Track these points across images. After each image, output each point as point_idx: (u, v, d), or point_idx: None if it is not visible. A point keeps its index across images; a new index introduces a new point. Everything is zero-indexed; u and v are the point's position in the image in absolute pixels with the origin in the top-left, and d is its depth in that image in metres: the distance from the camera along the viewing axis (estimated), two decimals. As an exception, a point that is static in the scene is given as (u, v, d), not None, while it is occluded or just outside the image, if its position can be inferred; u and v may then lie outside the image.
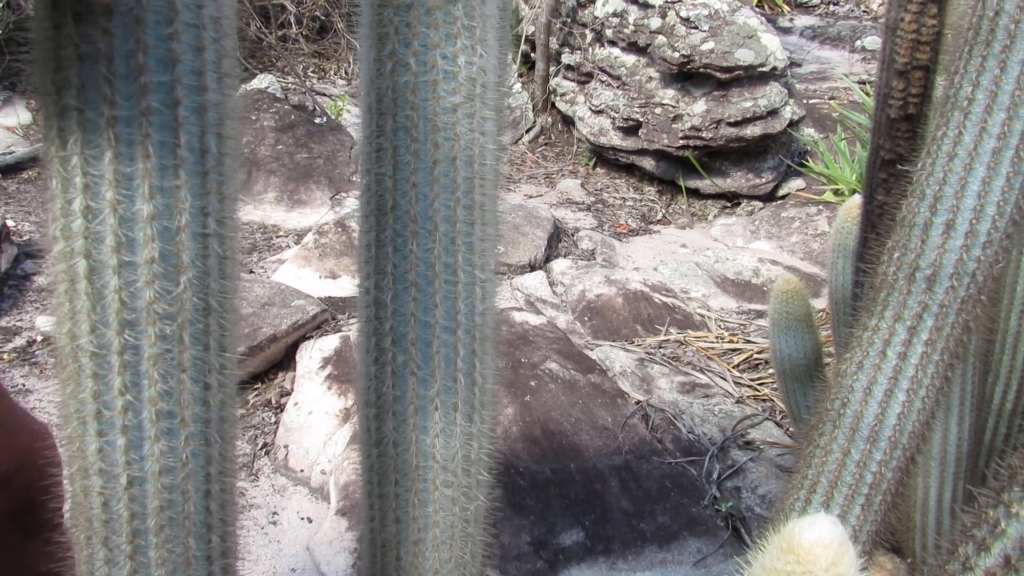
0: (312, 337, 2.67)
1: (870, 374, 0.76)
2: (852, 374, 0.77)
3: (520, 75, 5.15)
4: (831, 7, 7.53)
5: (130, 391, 0.47)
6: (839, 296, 1.72)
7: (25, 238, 3.30)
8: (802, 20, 7.13)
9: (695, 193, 3.96)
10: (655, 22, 3.95)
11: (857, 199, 1.63)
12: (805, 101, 4.73)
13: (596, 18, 4.33)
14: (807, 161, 3.85)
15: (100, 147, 0.44)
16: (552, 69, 4.79)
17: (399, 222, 0.63)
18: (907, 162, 1.22)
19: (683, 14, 3.85)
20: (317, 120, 4.39)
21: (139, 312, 0.47)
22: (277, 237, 3.50)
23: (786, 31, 6.82)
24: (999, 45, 0.68)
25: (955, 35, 0.75)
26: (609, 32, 4.22)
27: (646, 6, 4.04)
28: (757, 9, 6.96)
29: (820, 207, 3.58)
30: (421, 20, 0.59)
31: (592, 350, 2.67)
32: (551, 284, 3.04)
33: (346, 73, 5.89)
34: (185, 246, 0.47)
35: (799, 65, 5.98)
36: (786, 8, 7.25)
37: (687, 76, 3.85)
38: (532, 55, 4.95)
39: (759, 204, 3.85)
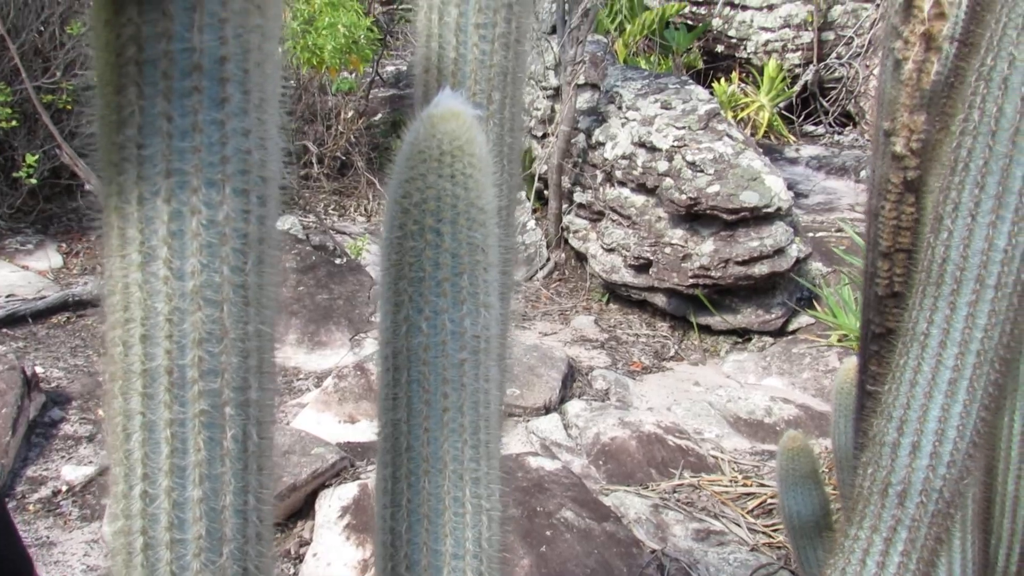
0: (331, 485, 2.72)
1: (852, 581, 0.81)
2: (836, 579, 0.83)
3: (534, 210, 5.32)
4: (835, 136, 7.73)
5: (176, 649, 0.54)
6: (842, 455, 1.77)
7: (53, 385, 3.40)
8: (808, 150, 7.32)
9: (707, 329, 4.04)
10: (662, 165, 4.11)
11: (855, 362, 1.69)
12: (812, 235, 4.85)
13: (606, 160, 4.50)
14: (815, 304, 3.93)
15: (158, 444, 0.53)
16: (565, 207, 4.95)
17: (413, 462, 0.71)
18: (894, 336, 1.30)
19: (689, 158, 4.01)
20: (337, 260, 4.54)
21: (186, 581, 0.54)
22: (298, 380, 3.59)
23: (793, 161, 7.03)
24: (948, 288, 0.76)
25: (913, 272, 0.84)
26: (619, 173, 4.38)
27: (654, 149, 4.21)
28: (765, 140, 7.19)
29: (829, 345, 3.65)
30: (432, 290, 0.68)
31: (607, 495, 2.70)
32: (566, 427, 3.09)
33: (365, 210, 6.09)
34: (228, 522, 0.54)
35: (806, 196, 6.14)
36: (791, 138, 7.47)
37: (695, 217, 3.98)
38: (545, 192, 5.13)
39: (770, 340, 3.92)
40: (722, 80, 7.40)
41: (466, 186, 0.68)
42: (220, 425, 0.53)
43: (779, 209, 3.87)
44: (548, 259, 4.90)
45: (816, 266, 4.22)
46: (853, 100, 7.70)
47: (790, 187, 5.69)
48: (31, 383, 3.17)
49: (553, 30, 5.33)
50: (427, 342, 0.69)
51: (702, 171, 3.94)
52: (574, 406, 3.21)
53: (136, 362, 0.52)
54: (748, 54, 7.59)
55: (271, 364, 0.56)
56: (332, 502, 2.63)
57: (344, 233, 5.40)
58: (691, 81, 5.00)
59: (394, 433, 0.72)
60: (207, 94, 0.50)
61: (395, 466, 0.72)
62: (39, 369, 3.44)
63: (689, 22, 7.83)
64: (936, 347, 0.77)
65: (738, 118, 7.10)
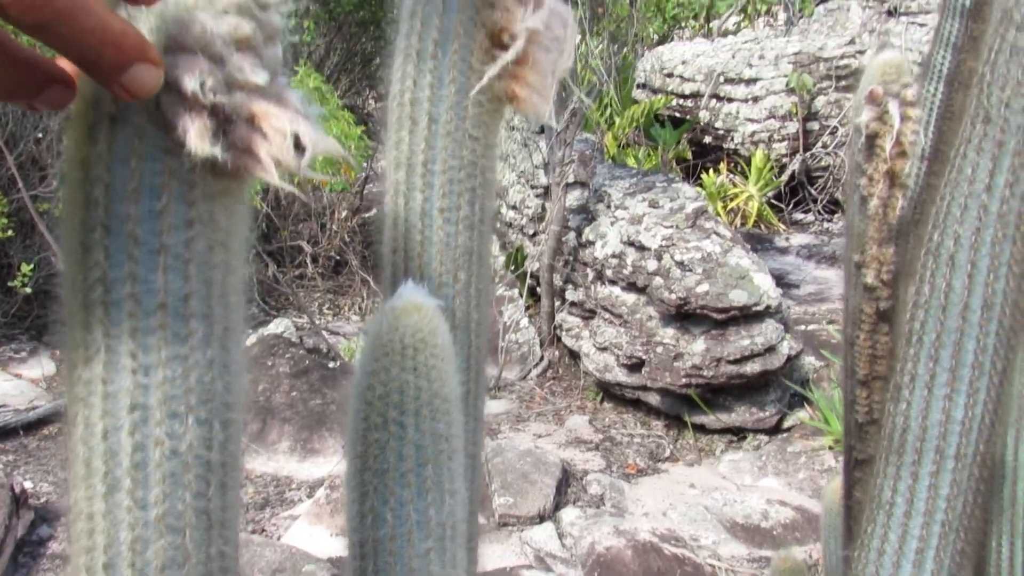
0: (322, 604, 2.68)
1: None
2: None
3: (527, 307, 5.35)
4: (825, 224, 7.81)
5: None
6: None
7: (42, 500, 3.37)
8: (798, 239, 7.39)
9: (701, 428, 4.02)
10: (652, 264, 4.16)
11: (841, 483, 1.70)
12: (804, 327, 4.87)
13: (596, 258, 4.55)
14: (806, 404, 3.94)
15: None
16: (557, 304, 4.98)
17: (382, 653, 0.71)
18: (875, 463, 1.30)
19: (677, 257, 4.06)
20: (331, 364, 4.54)
21: None
22: (290, 490, 3.56)
23: (783, 251, 7.09)
24: (909, 459, 0.78)
25: (879, 436, 0.85)
26: (609, 272, 4.42)
27: (642, 248, 4.27)
28: (755, 230, 7.27)
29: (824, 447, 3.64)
30: (396, 482, 0.70)
31: (602, 609, 2.66)
32: (560, 536, 3.06)
33: (360, 309, 6.12)
34: None
35: (797, 287, 6.18)
36: (781, 227, 7.54)
37: (685, 316, 4.01)
38: (538, 290, 5.16)
39: (765, 438, 3.91)
40: (711, 171, 7.53)
41: (429, 377, 0.70)
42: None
43: (768, 307, 3.90)
44: (542, 357, 4.91)
45: (809, 360, 4.23)
46: (841, 188, 7.80)
47: (781, 277, 5.74)
48: (19, 500, 3.14)
49: (542, 130, 5.45)
50: (392, 532, 0.70)
51: (691, 270, 3.99)
52: (568, 514, 3.18)
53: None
54: (735, 145, 7.73)
55: (232, 559, 0.57)
56: (323, 622, 2.59)
57: (338, 334, 5.42)
58: (678, 179, 5.10)
59: (363, 626, 0.72)
60: (171, 330, 0.52)
61: (365, 655, 0.72)
62: (28, 484, 3.41)
63: (677, 114, 7.99)
64: (901, 516, 0.78)
65: (728, 208, 7.20)
